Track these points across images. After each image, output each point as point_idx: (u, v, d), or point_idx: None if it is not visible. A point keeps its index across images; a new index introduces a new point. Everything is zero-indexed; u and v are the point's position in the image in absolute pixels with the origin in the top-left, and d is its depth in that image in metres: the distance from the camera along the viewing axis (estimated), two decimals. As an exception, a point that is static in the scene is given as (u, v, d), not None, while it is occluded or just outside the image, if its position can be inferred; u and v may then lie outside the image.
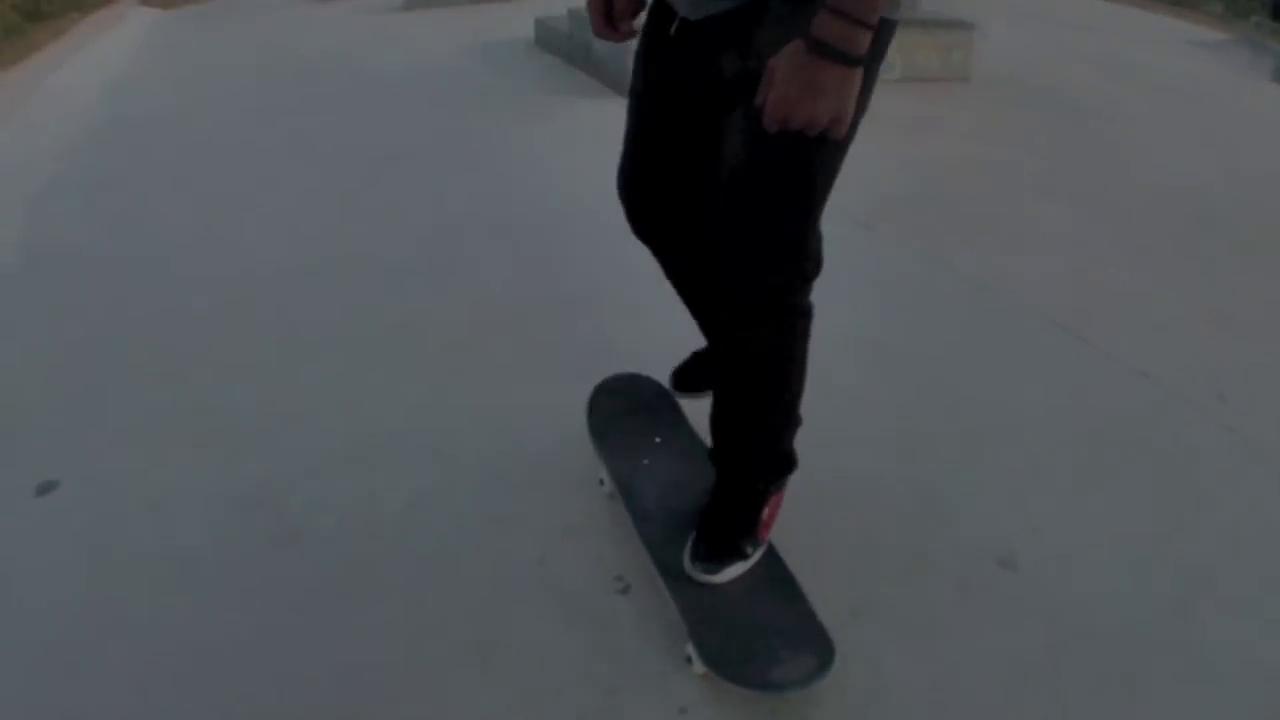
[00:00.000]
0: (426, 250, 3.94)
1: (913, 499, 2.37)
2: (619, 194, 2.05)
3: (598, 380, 2.56)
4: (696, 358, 2.48)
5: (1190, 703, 1.79)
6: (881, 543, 2.22)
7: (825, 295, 1.84)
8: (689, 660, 1.80)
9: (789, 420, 2.00)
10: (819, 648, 1.79)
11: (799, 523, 2.11)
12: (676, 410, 2.51)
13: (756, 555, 2.01)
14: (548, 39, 8.20)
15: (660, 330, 2.69)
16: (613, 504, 2.27)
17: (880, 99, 1.65)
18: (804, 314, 1.83)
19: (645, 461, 2.32)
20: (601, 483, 2.33)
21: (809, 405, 2.00)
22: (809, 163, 1.56)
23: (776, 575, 1.99)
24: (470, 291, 3.55)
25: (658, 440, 2.40)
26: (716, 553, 1.97)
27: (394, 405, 2.79)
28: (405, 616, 1.98)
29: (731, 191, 1.67)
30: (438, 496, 2.38)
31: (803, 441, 2.06)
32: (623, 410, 2.49)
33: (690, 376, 2.48)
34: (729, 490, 2.05)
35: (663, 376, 2.57)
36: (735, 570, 1.97)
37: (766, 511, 2.04)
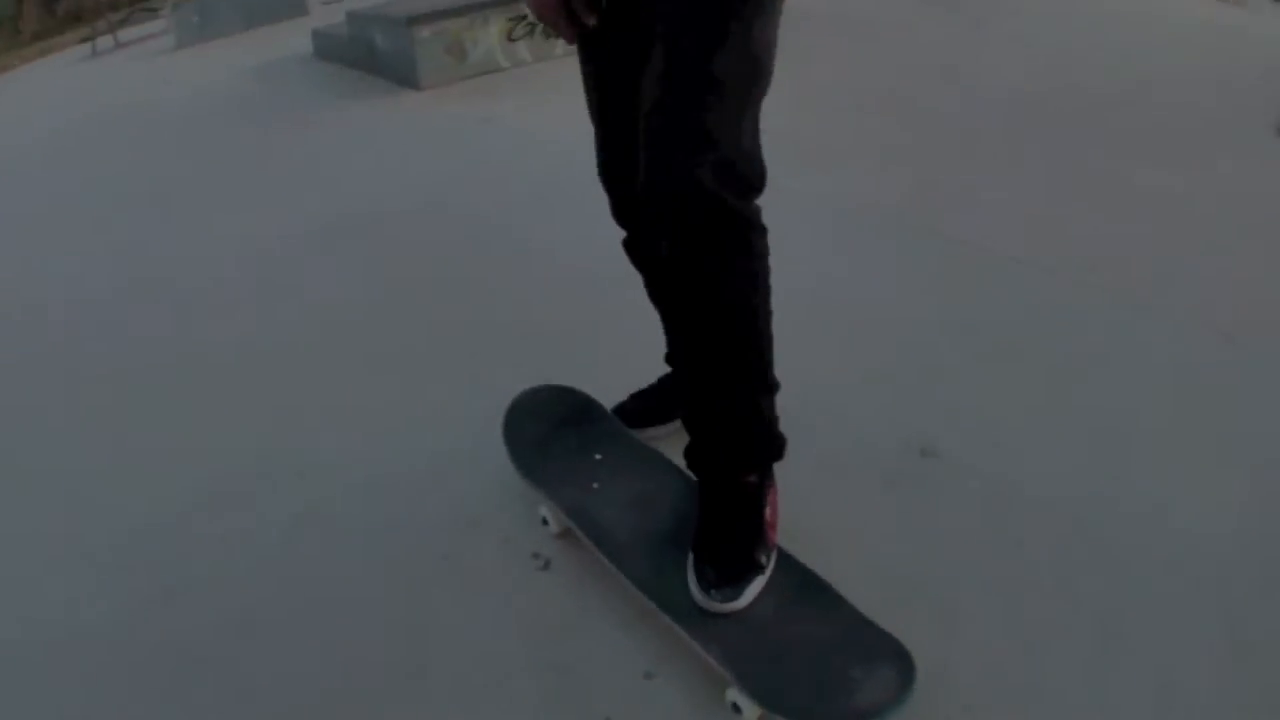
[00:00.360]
0: (244, 271, 3.61)
1: (819, 411, 2.22)
2: (604, 187, 1.87)
3: (452, 369, 2.33)
4: (636, 397, 2.23)
5: (1148, 546, 1.78)
6: (796, 458, 2.09)
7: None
8: (736, 709, 1.49)
9: (765, 378, 1.71)
10: (890, 655, 1.50)
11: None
12: (608, 418, 2.17)
13: (772, 563, 1.70)
14: (327, 49, 7.74)
15: (507, 313, 2.54)
16: (511, 485, 2.07)
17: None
18: (756, 227, 1.58)
19: (595, 485, 1.96)
20: (545, 522, 1.97)
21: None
22: (732, 47, 1.47)
23: (802, 582, 1.68)
24: (298, 303, 3.25)
25: (598, 458, 2.04)
26: (730, 574, 1.65)
27: (244, 433, 2.50)
28: (319, 652, 1.77)
29: (659, 87, 1.49)
30: (316, 518, 2.11)
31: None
32: (546, 431, 2.13)
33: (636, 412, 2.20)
34: (721, 494, 1.74)
35: (540, 371, 2.30)
36: (756, 587, 1.65)
37: (769, 511, 1.75)
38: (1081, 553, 1.76)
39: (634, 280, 1.91)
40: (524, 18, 6.69)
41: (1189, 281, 2.78)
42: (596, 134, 1.82)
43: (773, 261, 1.61)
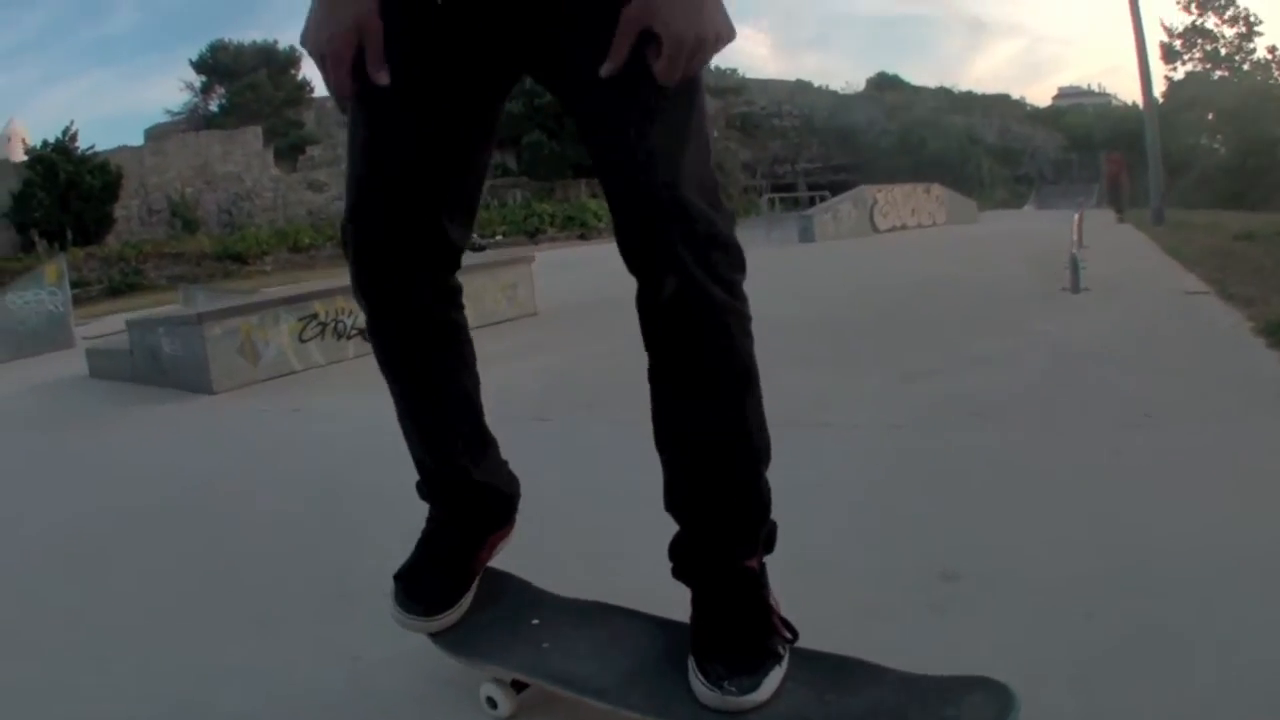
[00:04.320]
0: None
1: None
2: (357, 242, 1.59)
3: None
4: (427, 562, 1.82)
5: None
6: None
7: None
8: None
9: (766, 438, 1.55)
10: (974, 687, 1.36)
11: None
12: (526, 586, 1.90)
13: (788, 656, 1.48)
14: (105, 366, 7.19)
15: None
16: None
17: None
18: (739, 261, 1.49)
19: (545, 645, 1.69)
20: (493, 705, 1.68)
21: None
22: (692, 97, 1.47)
23: (835, 665, 1.48)
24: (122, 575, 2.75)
25: (535, 623, 1.77)
26: (743, 664, 1.42)
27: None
28: None
29: (641, 130, 1.41)
30: None
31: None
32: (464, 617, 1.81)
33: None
34: (722, 584, 1.53)
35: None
36: (775, 678, 1.43)
37: (773, 599, 1.54)
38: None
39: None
40: (314, 316, 6.66)
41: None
42: (376, 175, 1.56)
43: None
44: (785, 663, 1.46)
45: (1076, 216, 10.50)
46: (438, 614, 1.75)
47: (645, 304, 1.48)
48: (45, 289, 11.52)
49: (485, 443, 1.81)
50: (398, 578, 1.78)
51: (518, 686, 1.69)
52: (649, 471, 1.60)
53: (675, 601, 1.60)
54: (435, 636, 1.78)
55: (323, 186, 33.81)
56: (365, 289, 1.63)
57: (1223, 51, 42.80)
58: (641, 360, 1.55)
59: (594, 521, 2.73)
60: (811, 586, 1.80)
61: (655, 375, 1.54)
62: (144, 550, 2.97)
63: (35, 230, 27.76)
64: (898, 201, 21.07)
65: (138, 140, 39.65)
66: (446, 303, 1.69)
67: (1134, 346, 4.72)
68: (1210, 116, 42.24)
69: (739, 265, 1.49)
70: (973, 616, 1.93)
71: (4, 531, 3.41)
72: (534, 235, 28.33)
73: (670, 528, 1.62)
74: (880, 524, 2.52)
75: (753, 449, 1.53)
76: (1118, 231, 14.40)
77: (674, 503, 1.58)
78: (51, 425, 5.80)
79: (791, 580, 1.63)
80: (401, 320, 1.65)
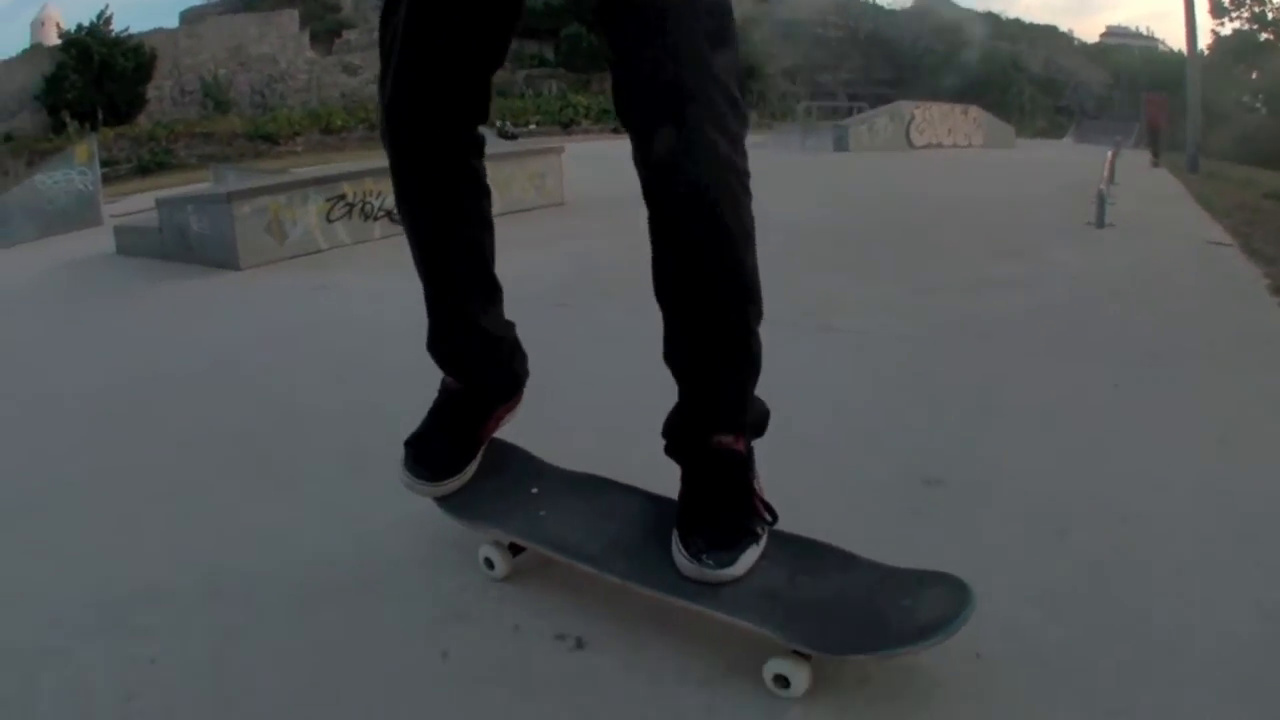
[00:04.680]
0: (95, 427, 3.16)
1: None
2: (401, 117, 1.71)
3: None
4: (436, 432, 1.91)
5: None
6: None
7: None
8: (781, 681, 1.38)
9: (759, 299, 1.59)
10: (934, 581, 1.44)
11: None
12: (531, 457, 1.99)
13: (766, 535, 1.56)
14: (132, 243, 7.30)
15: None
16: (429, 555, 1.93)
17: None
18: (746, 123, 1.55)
19: (541, 513, 1.80)
20: (490, 565, 1.80)
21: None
22: None
23: (809, 549, 1.57)
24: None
25: (534, 491, 1.88)
26: (722, 539, 1.50)
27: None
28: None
29: None
30: (248, 639, 1.70)
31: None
32: (470, 483, 1.91)
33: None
34: (708, 461, 1.61)
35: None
36: (752, 555, 1.51)
37: (758, 484, 1.62)
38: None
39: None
40: (342, 197, 6.70)
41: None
42: (412, 60, 1.66)
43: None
44: (763, 543, 1.56)
45: (1110, 153, 10.41)
46: (443, 479, 1.85)
47: (643, 158, 1.51)
48: (75, 168, 11.63)
49: (493, 289, 1.88)
50: (408, 443, 1.88)
51: (514, 550, 1.81)
52: (660, 356, 1.66)
53: (671, 480, 1.68)
54: (440, 501, 1.89)
55: (357, 70, 33.54)
56: (394, 117, 1.70)
57: (1270, 15, 41.57)
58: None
59: (603, 400, 2.83)
60: (797, 476, 1.89)
61: (654, 227, 1.57)
62: (170, 419, 3.08)
63: (67, 112, 27.71)
64: (935, 120, 20.89)
65: (173, 23, 39.26)
66: (467, 148, 1.77)
67: (1149, 287, 4.71)
68: (1254, 75, 41.21)
69: (742, 118, 1.51)
70: (948, 521, 2.01)
71: (36, 399, 3.53)
72: (568, 126, 28.27)
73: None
74: (872, 426, 2.61)
75: (746, 299, 1.57)
76: (1152, 174, 14.17)
77: (671, 352, 1.63)
78: (81, 299, 5.92)
79: (778, 468, 1.72)
80: (423, 149, 1.72)
